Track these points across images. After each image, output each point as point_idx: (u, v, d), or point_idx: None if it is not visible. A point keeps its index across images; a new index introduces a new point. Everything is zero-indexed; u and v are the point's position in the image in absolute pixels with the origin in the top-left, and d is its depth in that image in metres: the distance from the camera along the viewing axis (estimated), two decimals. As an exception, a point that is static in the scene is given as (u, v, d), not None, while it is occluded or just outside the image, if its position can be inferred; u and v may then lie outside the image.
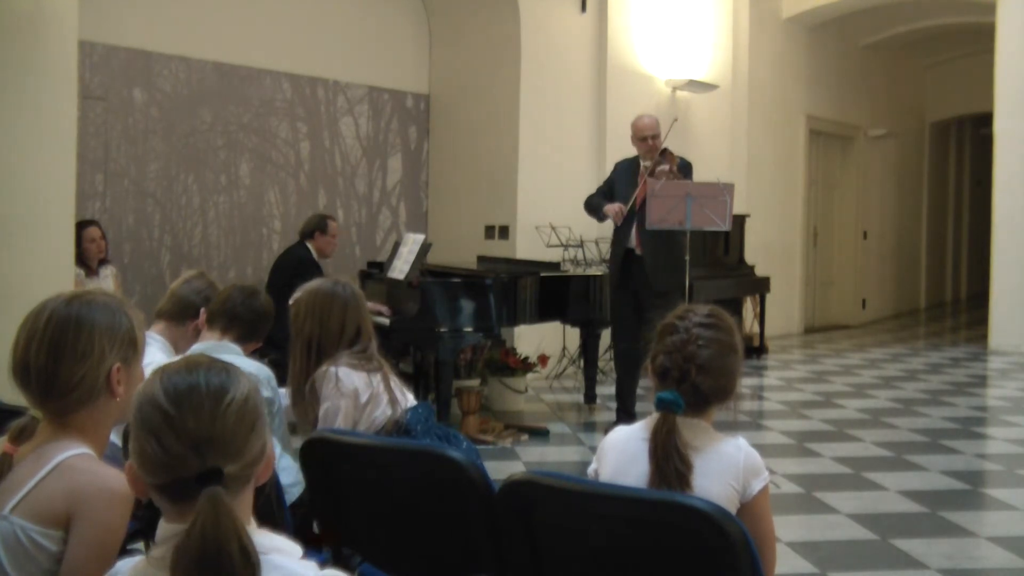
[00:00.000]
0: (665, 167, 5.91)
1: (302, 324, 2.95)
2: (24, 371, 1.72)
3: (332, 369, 2.91)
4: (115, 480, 1.64)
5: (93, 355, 1.73)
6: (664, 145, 6.12)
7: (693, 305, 2.17)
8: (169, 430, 1.33)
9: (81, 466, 1.65)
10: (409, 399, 3.04)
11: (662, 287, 5.91)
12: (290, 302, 3.01)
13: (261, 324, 3.12)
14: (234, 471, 1.35)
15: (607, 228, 6.35)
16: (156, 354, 2.99)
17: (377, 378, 2.96)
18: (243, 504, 1.39)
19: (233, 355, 2.90)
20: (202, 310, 3.13)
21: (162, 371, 1.39)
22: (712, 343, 2.07)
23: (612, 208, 6.04)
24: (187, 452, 1.32)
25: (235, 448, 1.35)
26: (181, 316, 3.19)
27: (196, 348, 2.99)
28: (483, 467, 2.21)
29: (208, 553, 1.27)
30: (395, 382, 3.01)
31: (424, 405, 3.06)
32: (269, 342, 3.41)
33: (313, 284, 3.01)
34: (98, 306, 1.76)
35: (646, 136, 6.08)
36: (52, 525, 1.60)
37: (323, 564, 1.43)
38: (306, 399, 2.94)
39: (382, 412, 2.94)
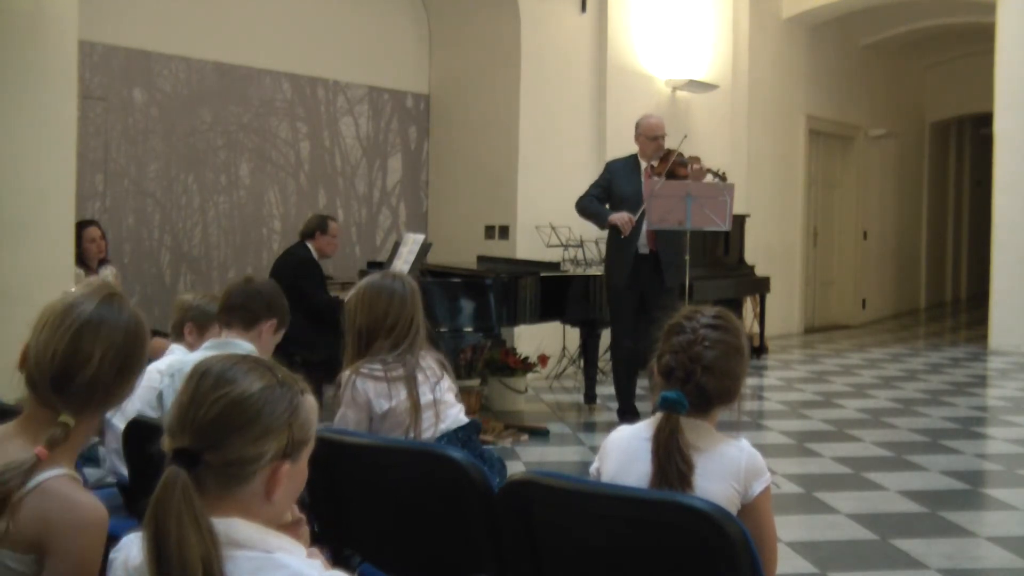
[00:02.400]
0: (699, 167, 5.95)
1: (354, 317, 2.89)
2: (63, 374, 1.68)
3: (352, 376, 2.84)
4: (87, 507, 1.61)
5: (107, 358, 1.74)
6: (667, 147, 6.16)
7: (700, 306, 2.17)
8: (175, 401, 1.43)
9: (54, 491, 1.60)
10: (447, 421, 2.89)
11: (673, 283, 5.99)
12: (345, 300, 2.98)
13: (256, 301, 3.08)
14: (214, 461, 1.38)
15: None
16: (186, 354, 3.18)
17: (400, 391, 2.82)
18: (231, 504, 1.40)
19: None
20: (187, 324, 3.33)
21: (213, 355, 1.51)
22: (718, 344, 2.07)
23: (622, 218, 5.99)
24: (176, 427, 1.40)
25: (213, 438, 1.38)
26: (176, 333, 3.42)
27: (205, 346, 3.06)
28: (494, 482, 2.18)
29: (158, 533, 1.32)
30: (434, 399, 2.85)
31: (465, 428, 2.92)
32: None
33: (367, 279, 2.97)
34: (118, 306, 1.77)
35: (658, 135, 6.12)
36: (25, 550, 1.57)
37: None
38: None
39: (402, 434, 2.81)
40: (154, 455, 1.42)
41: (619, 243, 6.15)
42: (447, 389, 2.92)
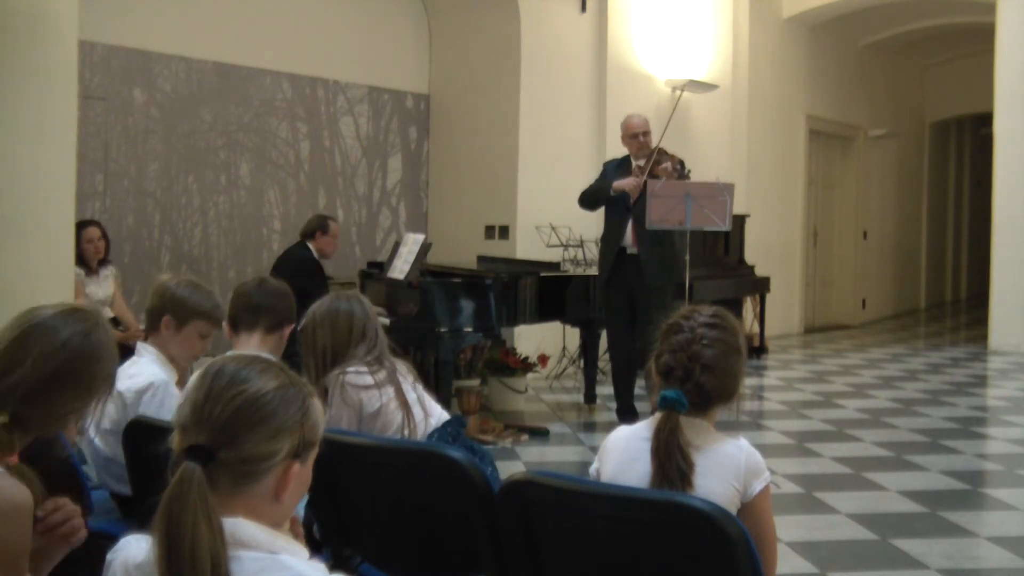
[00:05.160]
0: (667, 165, 5.94)
1: (313, 339, 2.91)
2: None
3: (341, 376, 2.87)
4: (6, 495, 1.61)
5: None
6: (660, 145, 6.16)
7: (698, 306, 2.17)
8: (188, 399, 1.43)
9: None
10: (434, 416, 2.96)
11: (655, 282, 5.95)
12: (299, 329, 2.97)
13: (282, 303, 3.03)
14: (229, 459, 1.39)
15: (607, 228, 6.37)
16: (148, 365, 2.93)
17: (389, 392, 2.88)
18: (240, 503, 1.40)
19: None
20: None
21: (226, 355, 1.53)
22: (717, 343, 2.08)
23: (629, 182, 5.97)
24: (190, 424, 1.41)
25: (228, 435, 1.39)
26: (151, 326, 3.01)
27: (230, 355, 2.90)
28: (495, 481, 2.18)
29: (171, 529, 1.32)
30: (416, 396, 2.94)
31: (452, 422, 2.99)
32: None
33: (315, 305, 2.97)
34: (73, 321, 1.79)
35: (637, 133, 6.15)
36: None
37: (326, 565, 1.44)
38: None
39: (396, 433, 2.87)
40: (159, 456, 1.43)
41: (606, 241, 6.20)
42: (423, 390, 3.01)
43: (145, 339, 2.99)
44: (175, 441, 1.41)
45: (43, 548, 1.72)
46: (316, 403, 1.51)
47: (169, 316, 2.93)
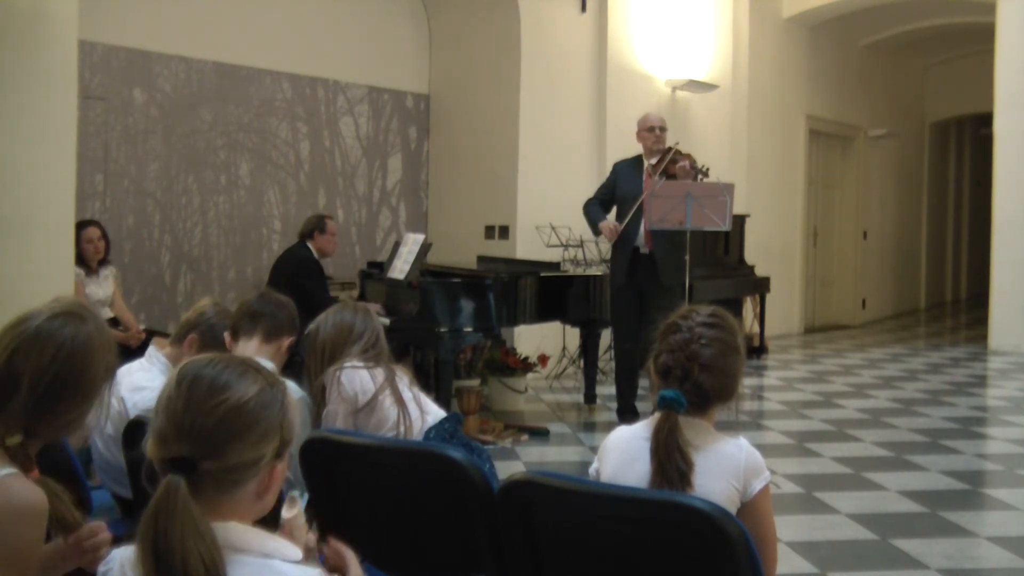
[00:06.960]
0: (684, 164, 5.97)
1: (316, 336, 3.04)
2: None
3: (337, 372, 2.95)
4: (22, 497, 1.62)
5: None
6: (676, 146, 6.18)
7: (696, 305, 2.17)
8: (164, 410, 1.39)
9: None
10: (431, 414, 3.03)
11: (670, 282, 6.00)
12: (304, 334, 3.08)
13: (282, 312, 3.07)
14: (212, 469, 1.36)
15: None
16: (157, 378, 2.94)
17: (384, 387, 2.95)
18: (226, 506, 1.39)
19: None
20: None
21: (198, 358, 1.46)
22: (715, 342, 2.08)
23: (607, 227, 6.12)
24: (170, 434, 1.37)
25: (213, 445, 1.36)
26: (177, 337, 3.10)
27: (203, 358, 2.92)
28: (494, 482, 2.18)
29: (158, 543, 1.29)
30: (412, 396, 3.01)
31: (449, 419, 3.03)
32: None
33: (324, 313, 3.11)
34: (62, 323, 1.79)
35: (654, 126, 6.17)
36: None
37: (324, 565, 1.43)
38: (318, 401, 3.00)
39: (391, 430, 2.92)
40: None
41: (619, 242, 6.19)
42: (419, 391, 3.09)
43: (148, 337, 3.03)
44: (151, 449, 1.38)
45: (60, 560, 1.71)
46: (291, 398, 1.49)
47: (196, 337, 3.02)
